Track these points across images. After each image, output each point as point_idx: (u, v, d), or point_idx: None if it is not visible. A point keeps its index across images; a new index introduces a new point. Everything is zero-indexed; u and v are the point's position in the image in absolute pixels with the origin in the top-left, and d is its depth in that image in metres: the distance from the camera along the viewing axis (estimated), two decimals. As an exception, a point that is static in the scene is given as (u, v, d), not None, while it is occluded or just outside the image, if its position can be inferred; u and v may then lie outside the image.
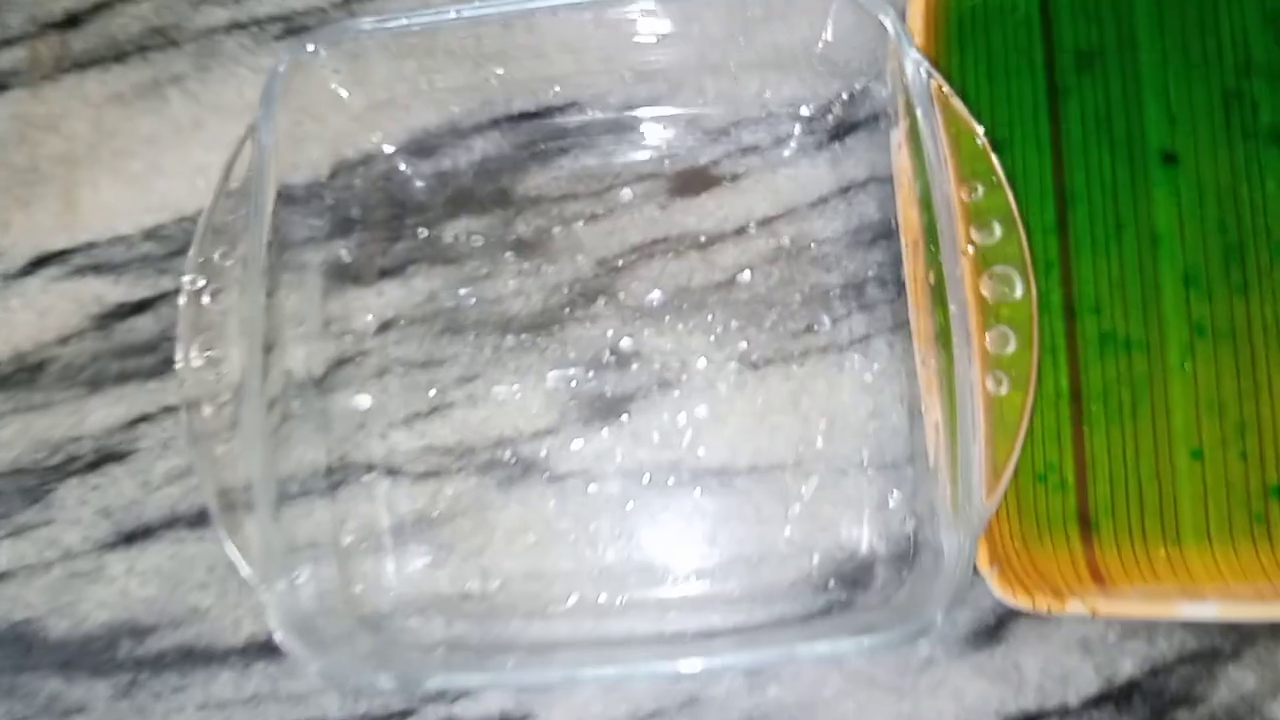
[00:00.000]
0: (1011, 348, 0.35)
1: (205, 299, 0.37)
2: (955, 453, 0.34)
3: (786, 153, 0.44)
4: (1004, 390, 0.34)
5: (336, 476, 0.42)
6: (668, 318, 0.42)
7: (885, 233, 0.42)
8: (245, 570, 0.34)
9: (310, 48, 0.38)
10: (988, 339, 0.35)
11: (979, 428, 0.34)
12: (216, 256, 0.37)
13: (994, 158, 0.36)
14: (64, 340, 0.44)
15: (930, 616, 0.33)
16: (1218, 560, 0.39)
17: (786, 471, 0.41)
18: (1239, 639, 0.40)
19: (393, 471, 0.42)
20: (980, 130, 0.36)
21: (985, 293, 0.35)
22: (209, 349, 0.36)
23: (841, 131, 0.43)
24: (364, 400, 0.42)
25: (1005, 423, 0.34)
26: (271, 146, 0.37)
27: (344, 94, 0.41)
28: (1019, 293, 0.35)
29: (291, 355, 0.40)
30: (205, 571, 0.42)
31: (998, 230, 0.35)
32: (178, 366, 0.36)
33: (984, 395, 0.34)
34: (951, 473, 0.35)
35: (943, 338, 0.35)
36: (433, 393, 0.42)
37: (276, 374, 0.38)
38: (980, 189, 0.36)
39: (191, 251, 0.37)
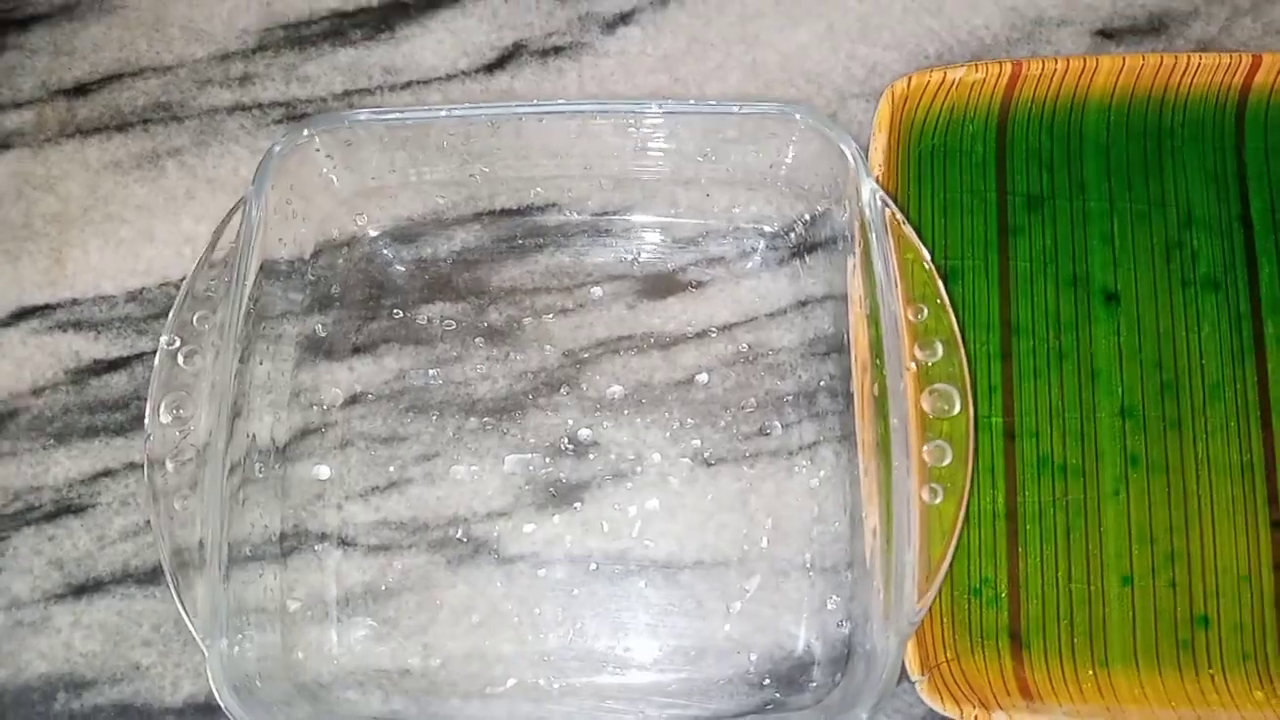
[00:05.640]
0: (948, 460, 0.36)
1: (180, 359, 0.38)
2: (890, 557, 0.36)
3: (750, 265, 0.46)
4: (939, 500, 0.36)
5: (289, 543, 0.42)
6: (627, 411, 0.44)
7: (838, 347, 0.44)
8: (192, 625, 0.35)
9: (306, 133, 0.41)
10: (926, 451, 0.36)
11: (914, 534, 0.35)
12: (195, 320, 0.38)
13: (939, 282, 0.38)
14: (37, 392, 0.45)
15: (855, 716, 0.34)
16: (1144, 685, 0.40)
17: (730, 569, 0.42)
18: (1163, 765, 0.41)
19: (345, 543, 0.43)
20: (928, 255, 0.38)
21: (925, 407, 0.37)
22: (178, 408, 0.37)
23: (803, 250, 0.46)
24: (324, 471, 0.43)
25: (939, 531, 0.36)
26: (259, 220, 0.39)
27: (334, 179, 0.44)
28: (957, 409, 0.37)
29: (258, 422, 0.41)
30: (150, 629, 0.42)
31: (940, 350, 0.37)
32: (146, 422, 0.37)
33: (919, 504, 0.36)
34: (885, 576, 0.36)
35: (883, 448, 0.37)
36: (392, 468, 0.43)
37: (241, 438, 0.39)
38: (925, 310, 0.38)
39: (171, 312, 0.38)
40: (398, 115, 0.41)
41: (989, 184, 0.46)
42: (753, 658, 0.41)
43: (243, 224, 0.39)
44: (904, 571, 0.35)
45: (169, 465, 0.37)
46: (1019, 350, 0.44)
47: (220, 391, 0.37)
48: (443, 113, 0.41)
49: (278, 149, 0.40)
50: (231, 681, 0.35)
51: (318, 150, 0.42)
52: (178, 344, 0.38)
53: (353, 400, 0.44)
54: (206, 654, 0.35)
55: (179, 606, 0.35)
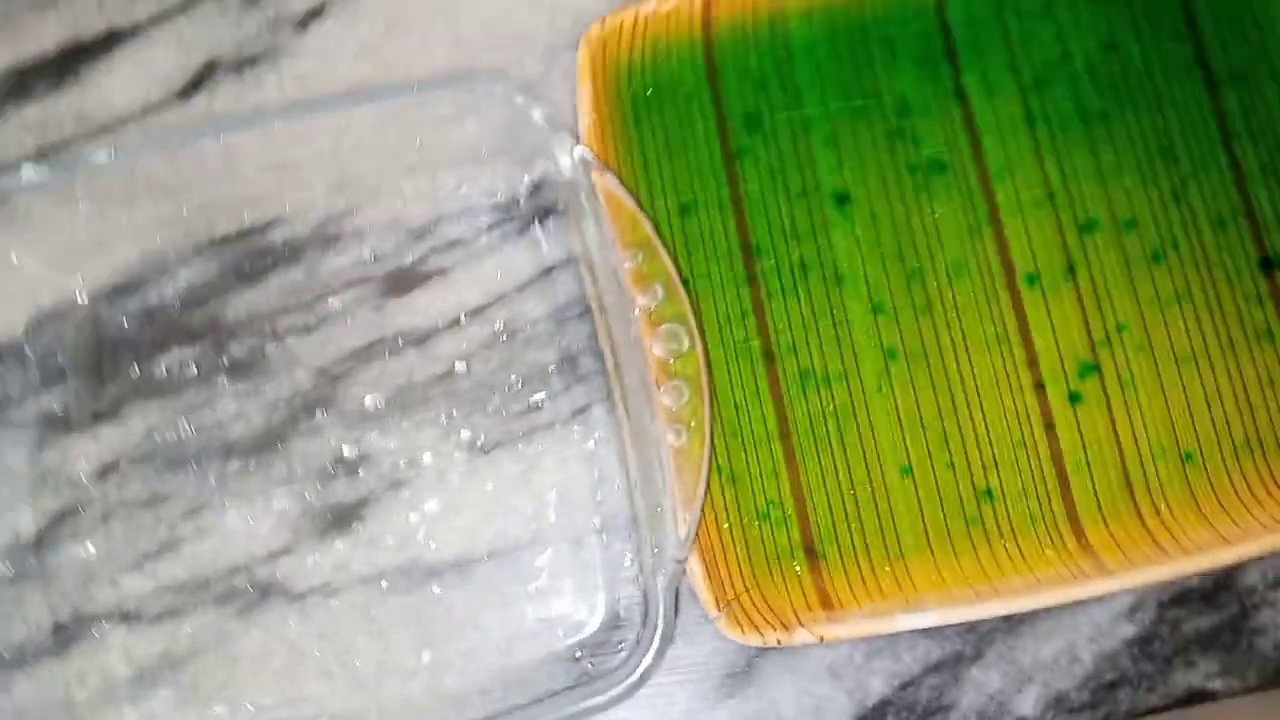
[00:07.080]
0: (686, 398, 0.36)
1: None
2: (649, 504, 0.35)
3: (488, 242, 0.45)
4: (683, 440, 0.36)
5: (67, 633, 0.40)
6: (391, 418, 0.43)
7: (589, 307, 0.44)
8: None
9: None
10: (665, 393, 0.36)
11: (667, 478, 0.35)
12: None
13: (647, 224, 0.37)
14: None
15: (635, 664, 0.34)
16: (939, 568, 0.41)
17: (524, 551, 0.42)
18: (978, 639, 0.42)
19: (127, 618, 0.41)
20: (630, 200, 0.38)
21: (658, 351, 0.37)
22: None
23: (536, 216, 0.45)
24: (89, 550, 0.41)
25: (689, 468, 0.36)
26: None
27: (24, 248, 0.41)
28: (686, 346, 0.37)
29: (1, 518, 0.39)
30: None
31: (660, 292, 0.37)
32: None
33: (668, 447, 0.36)
34: (649, 522, 0.36)
35: (624, 398, 0.37)
36: (160, 530, 0.42)
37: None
38: (641, 255, 0.38)
39: None
40: (67, 166, 0.39)
41: (705, 112, 0.46)
42: (561, 633, 0.41)
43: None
44: (663, 516, 0.35)
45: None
46: (763, 270, 0.44)
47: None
48: (107, 157, 0.39)
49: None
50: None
51: (-4, 222, 0.40)
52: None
53: (106, 470, 0.42)
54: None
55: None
